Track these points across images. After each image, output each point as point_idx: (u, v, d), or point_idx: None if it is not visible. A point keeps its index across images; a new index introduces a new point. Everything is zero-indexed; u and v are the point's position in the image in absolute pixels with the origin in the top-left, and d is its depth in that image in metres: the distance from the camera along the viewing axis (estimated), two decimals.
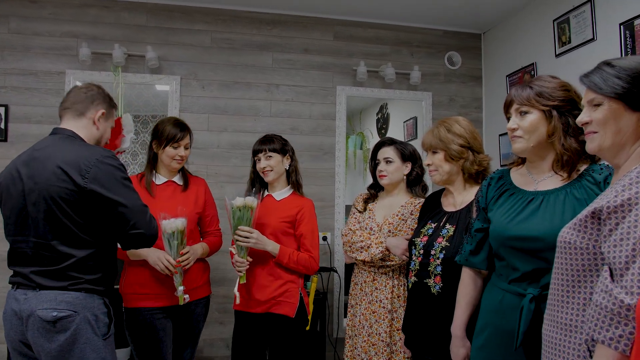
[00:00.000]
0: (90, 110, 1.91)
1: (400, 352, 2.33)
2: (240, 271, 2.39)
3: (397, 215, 2.46)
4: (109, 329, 1.81)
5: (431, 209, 2.23)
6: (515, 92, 1.68)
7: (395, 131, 4.76)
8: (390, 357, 2.34)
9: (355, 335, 2.45)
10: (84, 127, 1.90)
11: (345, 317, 3.84)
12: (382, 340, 2.34)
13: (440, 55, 4.19)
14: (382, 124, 5.00)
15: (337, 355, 3.58)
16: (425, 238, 2.08)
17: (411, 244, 2.16)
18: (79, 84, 3.51)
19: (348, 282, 3.71)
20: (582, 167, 1.61)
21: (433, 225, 2.11)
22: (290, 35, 3.87)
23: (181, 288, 2.28)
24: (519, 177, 1.74)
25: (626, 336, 1.07)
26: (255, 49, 3.81)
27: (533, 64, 3.56)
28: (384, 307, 2.37)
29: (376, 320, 2.37)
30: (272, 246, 2.43)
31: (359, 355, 2.40)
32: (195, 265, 2.44)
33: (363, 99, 4.11)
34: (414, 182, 2.56)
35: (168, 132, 2.43)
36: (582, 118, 1.35)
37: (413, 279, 2.07)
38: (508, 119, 1.72)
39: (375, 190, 2.63)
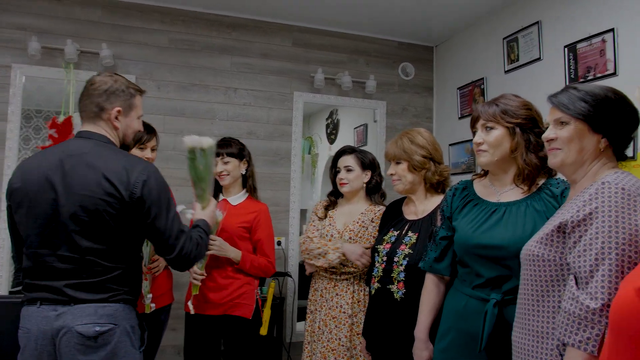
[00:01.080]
0: (104, 111, 1.73)
1: (360, 356, 2.38)
2: (196, 283, 2.39)
3: (357, 222, 2.52)
4: (142, 341, 1.73)
5: (393, 217, 2.30)
6: (482, 108, 1.78)
7: (345, 137, 4.84)
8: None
9: (315, 340, 2.48)
10: (105, 129, 1.75)
11: (298, 321, 3.88)
12: (342, 345, 2.39)
13: (394, 65, 4.31)
14: (332, 129, 5.08)
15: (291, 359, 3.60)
16: (388, 245, 2.15)
17: (374, 251, 2.22)
18: (24, 78, 3.36)
19: (302, 286, 3.76)
20: (541, 181, 1.72)
21: (395, 233, 2.18)
22: (250, 39, 3.87)
23: (149, 296, 2.25)
24: (482, 189, 1.84)
25: (593, 338, 1.18)
26: (214, 51, 3.78)
27: (483, 78, 3.74)
28: (344, 312, 2.42)
29: (336, 326, 2.41)
30: (235, 253, 2.47)
31: None
32: (162, 272, 2.42)
33: (313, 104, 4.15)
34: (374, 190, 2.63)
35: (135, 135, 2.40)
36: (548, 134, 1.46)
37: (376, 285, 2.13)
38: (474, 133, 1.82)
39: (335, 197, 2.68)
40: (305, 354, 2.55)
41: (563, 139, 1.41)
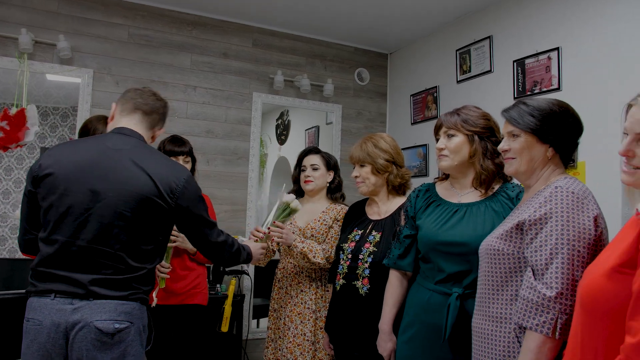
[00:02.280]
0: (158, 125, 1.85)
1: (323, 349, 2.47)
2: (163, 276, 2.41)
3: (318, 221, 2.61)
4: (149, 340, 1.74)
5: (356, 217, 2.41)
6: (444, 117, 1.92)
7: (296, 138, 4.92)
8: (314, 355, 2.48)
9: (280, 337, 2.55)
10: (148, 137, 1.82)
11: (253, 319, 3.93)
12: (308, 340, 2.48)
13: (351, 70, 4.45)
14: (283, 130, 5.15)
15: (247, 357, 3.64)
16: (353, 244, 2.25)
17: (339, 249, 2.32)
18: None
19: (258, 284, 3.81)
20: (497, 186, 1.88)
21: (360, 232, 2.29)
22: (210, 38, 3.89)
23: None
24: (443, 190, 1.98)
25: (548, 322, 1.34)
26: (174, 48, 3.77)
27: (436, 87, 3.93)
28: (308, 308, 2.50)
29: (301, 321, 2.49)
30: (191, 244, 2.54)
31: (284, 356, 2.51)
32: None
33: (268, 104, 4.20)
34: (335, 190, 2.74)
35: (96, 130, 2.39)
36: (502, 146, 1.62)
37: (341, 281, 2.23)
38: (437, 140, 1.95)
39: (297, 196, 2.76)
40: (269, 351, 2.61)
41: (515, 150, 1.57)
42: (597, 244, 1.38)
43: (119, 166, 1.64)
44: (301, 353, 2.46)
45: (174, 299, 2.57)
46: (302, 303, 2.52)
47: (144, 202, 1.62)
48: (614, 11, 2.66)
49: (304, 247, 2.43)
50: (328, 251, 2.47)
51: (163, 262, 2.41)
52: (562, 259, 1.36)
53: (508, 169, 1.63)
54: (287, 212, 2.42)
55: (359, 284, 2.17)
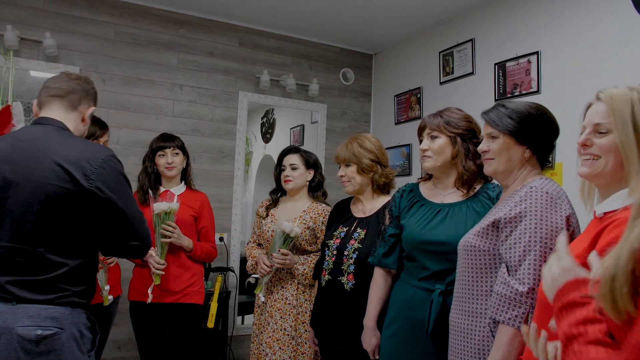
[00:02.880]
0: (82, 105, 1.70)
1: (305, 343, 2.53)
2: (158, 273, 2.44)
3: (298, 219, 2.66)
4: (93, 345, 1.62)
5: (341, 215, 2.47)
6: (428, 119, 1.99)
7: (281, 137, 4.97)
8: (296, 349, 2.53)
9: (261, 332, 2.60)
10: (73, 120, 1.69)
11: (238, 315, 3.97)
12: (288, 334, 2.53)
13: (336, 70, 4.50)
14: (268, 128, 5.19)
15: (232, 353, 3.68)
16: (338, 240, 2.31)
17: (324, 245, 2.38)
18: None
19: (244, 281, 3.85)
20: (478, 186, 1.95)
21: (345, 229, 2.35)
22: (197, 37, 3.91)
23: (107, 287, 2.26)
24: (427, 191, 2.04)
25: (520, 316, 1.41)
26: (160, 47, 3.78)
27: (419, 87, 4.01)
28: (289, 304, 2.56)
29: (281, 317, 2.55)
30: (188, 242, 2.59)
31: (263, 351, 2.56)
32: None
33: (254, 103, 4.24)
34: (316, 188, 2.79)
35: (88, 131, 2.42)
36: (482, 147, 1.69)
37: (327, 277, 2.29)
38: (420, 141, 2.02)
39: (277, 195, 2.81)
40: (254, 345, 2.66)
41: (494, 150, 1.64)
42: (569, 242, 1.46)
43: (25, 157, 1.54)
44: (280, 347, 2.52)
45: (170, 297, 2.56)
46: (282, 299, 2.58)
47: (53, 192, 1.50)
48: (591, 17, 2.75)
49: (305, 270, 2.55)
50: None
51: (158, 259, 2.44)
52: (534, 256, 1.43)
53: (487, 169, 1.69)
54: (288, 241, 2.51)
55: (344, 279, 2.23)
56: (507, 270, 1.49)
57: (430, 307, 1.79)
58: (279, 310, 2.56)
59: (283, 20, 3.99)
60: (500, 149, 1.63)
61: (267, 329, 2.57)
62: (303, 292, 2.59)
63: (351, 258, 2.23)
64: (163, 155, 2.68)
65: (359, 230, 2.30)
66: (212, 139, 3.96)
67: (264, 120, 5.19)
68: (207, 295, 2.84)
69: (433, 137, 1.96)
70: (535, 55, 3.00)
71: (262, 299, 2.56)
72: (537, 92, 2.98)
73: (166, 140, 2.71)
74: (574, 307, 0.88)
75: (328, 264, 2.31)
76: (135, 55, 3.70)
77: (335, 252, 2.29)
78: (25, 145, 1.56)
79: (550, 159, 1.70)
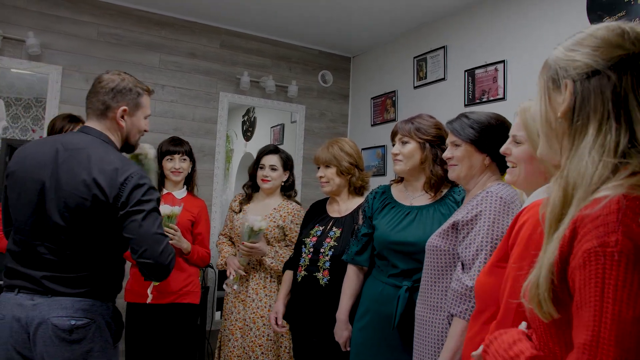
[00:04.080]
0: (111, 109, 1.73)
1: (259, 330, 2.70)
2: None
3: (268, 217, 2.78)
4: (118, 336, 1.72)
5: (317, 215, 2.60)
6: (400, 125, 2.12)
7: (262, 135, 5.07)
8: (248, 335, 2.71)
9: (226, 320, 2.79)
10: (109, 129, 1.75)
11: (217, 311, 4.07)
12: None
13: (314, 72, 4.62)
14: (249, 126, 5.28)
15: (210, 347, 3.79)
16: (315, 238, 2.44)
17: (301, 243, 2.50)
18: None
19: (222, 277, 3.95)
20: (445, 190, 2.10)
21: (321, 228, 2.48)
22: (178, 38, 3.99)
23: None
24: (398, 193, 2.18)
25: (469, 309, 1.56)
26: (142, 47, 3.86)
27: (395, 91, 4.15)
28: (249, 297, 2.74)
29: (244, 308, 2.74)
30: (187, 244, 2.68)
31: (227, 337, 2.75)
32: None
33: (236, 103, 4.34)
34: (289, 188, 2.94)
35: (57, 126, 2.49)
36: (446, 154, 1.83)
37: (303, 273, 2.42)
38: (393, 145, 2.16)
39: (251, 190, 2.93)
40: (223, 334, 2.84)
41: (457, 157, 1.79)
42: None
43: (67, 165, 1.63)
44: (242, 335, 2.71)
45: (168, 297, 2.64)
46: (244, 290, 2.75)
47: (85, 203, 1.59)
48: (554, 28, 2.92)
49: (272, 263, 2.68)
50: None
51: None
52: (484, 255, 1.58)
53: (451, 175, 1.84)
54: (254, 235, 2.62)
55: (319, 275, 2.36)
56: (462, 268, 1.64)
57: (397, 302, 1.93)
58: (242, 302, 2.74)
59: (263, 22, 4.09)
60: (463, 156, 1.77)
61: (230, 317, 2.76)
62: (264, 287, 2.75)
63: (327, 255, 2.36)
64: (171, 159, 2.76)
65: (334, 229, 2.44)
66: (193, 138, 4.02)
67: (245, 118, 5.27)
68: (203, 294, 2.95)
69: (404, 142, 2.09)
70: (502, 64, 3.17)
71: (236, 287, 2.74)
72: (503, 98, 3.15)
73: (176, 144, 2.78)
74: (497, 337, 0.98)
75: (304, 260, 2.43)
76: (118, 55, 3.76)
77: (311, 250, 2.42)
78: (69, 154, 1.65)
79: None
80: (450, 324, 1.65)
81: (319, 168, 2.53)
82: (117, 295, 1.79)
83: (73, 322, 1.58)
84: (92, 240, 1.64)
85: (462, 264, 1.64)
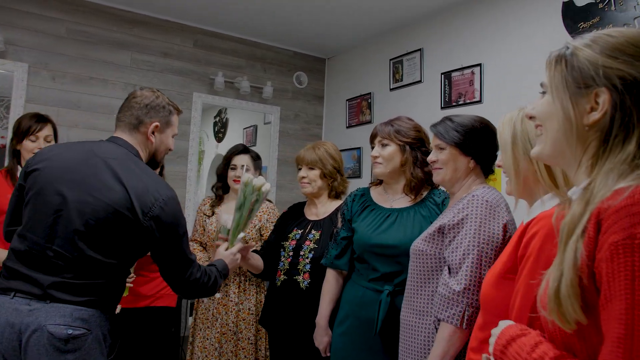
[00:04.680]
0: (143, 124, 1.76)
1: (246, 339, 2.66)
2: (126, 285, 2.46)
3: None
4: (112, 350, 1.67)
5: (294, 218, 2.56)
6: (380, 127, 2.10)
7: (234, 137, 5.00)
8: (237, 344, 2.66)
9: (208, 327, 2.72)
10: (139, 143, 1.76)
11: (190, 316, 3.99)
12: (230, 330, 2.65)
13: (289, 73, 4.58)
14: (220, 127, 5.21)
15: (183, 353, 3.70)
16: (294, 242, 2.40)
17: (280, 247, 2.46)
18: None
19: None
20: (425, 192, 2.08)
21: (300, 231, 2.44)
22: (151, 37, 3.90)
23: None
24: (377, 195, 2.16)
25: (457, 314, 1.54)
26: (113, 46, 3.75)
27: (370, 93, 4.15)
28: (231, 300, 2.68)
29: (226, 312, 2.67)
30: None
31: (212, 345, 2.68)
32: None
33: (210, 105, 4.27)
34: None
35: (23, 125, 2.43)
36: (431, 157, 1.82)
37: (282, 277, 2.37)
38: (372, 147, 2.13)
39: (222, 192, 2.88)
40: (197, 341, 2.75)
41: (442, 161, 1.77)
42: (504, 247, 1.60)
43: (96, 174, 1.61)
44: (226, 342, 2.65)
45: (142, 301, 2.57)
46: (225, 295, 2.70)
47: (112, 214, 1.57)
48: (530, 32, 2.96)
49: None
50: None
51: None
52: (472, 260, 1.57)
53: (436, 178, 1.83)
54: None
55: (299, 278, 2.32)
56: (449, 272, 1.62)
57: (379, 307, 1.91)
58: (224, 306, 2.68)
59: (238, 22, 4.03)
60: (447, 159, 1.76)
61: (215, 324, 2.67)
62: (244, 291, 2.71)
63: (307, 258, 2.33)
64: None
65: (313, 231, 2.40)
66: None
67: (217, 119, 5.20)
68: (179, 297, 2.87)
69: (384, 145, 2.07)
70: (479, 67, 3.19)
71: (218, 295, 2.66)
72: (480, 101, 3.17)
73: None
74: (515, 339, 0.94)
75: (284, 264, 2.39)
76: (88, 53, 3.65)
77: (291, 253, 2.38)
78: (99, 162, 1.63)
79: (492, 168, 1.84)
80: (437, 328, 1.63)
81: (299, 169, 2.48)
82: (116, 306, 1.73)
83: (70, 332, 1.52)
84: (109, 250, 1.60)
85: (449, 268, 1.62)
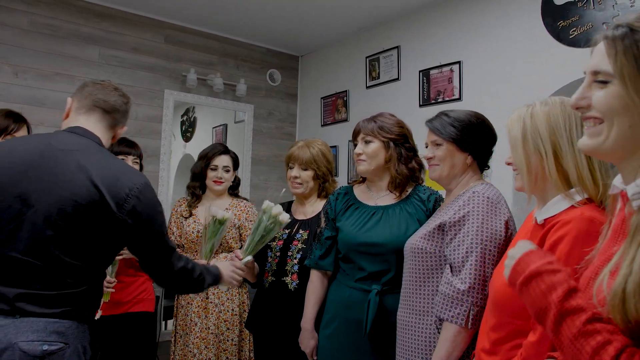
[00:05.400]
0: (119, 124, 1.67)
1: (228, 341, 2.62)
2: (108, 290, 2.34)
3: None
4: None
5: None
6: (362, 124, 2.06)
7: (203, 136, 4.90)
8: (219, 346, 2.61)
9: (187, 333, 2.65)
10: (107, 139, 1.64)
11: (164, 320, 3.87)
12: (212, 333, 2.60)
13: (262, 71, 4.50)
14: (188, 127, 5.09)
15: (158, 359, 3.58)
16: (281, 242, 2.33)
17: (267, 247, 2.39)
18: None
19: None
20: (410, 189, 2.05)
21: (286, 231, 2.37)
22: (120, 31, 3.75)
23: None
24: (361, 193, 2.11)
25: (462, 313, 1.50)
26: (80, 40, 3.59)
27: (346, 91, 4.11)
28: (211, 302, 2.62)
29: (206, 316, 2.62)
30: None
31: (190, 351, 2.62)
32: None
33: (182, 103, 4.17)
34: (236, 187, 2.92)
35: (2, 125, 2.26)
36: (427, 154, 1.78)
37: (270, 278, 2.30)
38: (355, 145, 2.09)
39: (201, 191, 2.82)
40: (178, 347, 2.67)
41: (439, 157, 1.74)
42: (507, 244, 1.57)
43: (58, 168, 1.45)
44: (206, 346, 2.58)
45: (120, 308, 2.48)
46: (205, 298, 2.64)
47: (81, 211, 1.42)
48: (509, 30, 2.98)
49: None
50: None
51: (108, 277, 2.33)
52: (475, 258, 1.53)
53: (432, 174, 1.79)
54: (222, 229, 2.27)
55: (288, 279, 2.25)
56: (451, 271, 1.58)
57: (367, 307, 1.85)
58: (204, 309, 2.62)
59: (210, 18, 3.93)
60: (445, 155, 1.72)
61: (194, 329, 2.60)
62: (225, 292, 2.66)
63: (295, 258, 2.26)
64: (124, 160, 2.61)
65: (301, 231, 2.34)
66: (135, 138, 3.74)
67: (185, 118, 5.08)
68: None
69: (367, 142, 2.02)
70: (457, 65, 3.20)
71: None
72: (459, 99, 3.18)
73: (128, 146, 2.65)
74: (544, 277, 0.86)
75: (271, 265, 2.32)
76: (53, 47, 3.48)
77: (278, 254, 2.31)
78: (60, 155, 1.46)
79: (488, 164, 1.82)
80: (438, 328, 1.59)
81: (291, 167, 2.40)
82: (94, 315, 1.59)
83: (45, 347, 1.37)
84: (82, 252, 1.46)
85: (451, 267, 1.58)
